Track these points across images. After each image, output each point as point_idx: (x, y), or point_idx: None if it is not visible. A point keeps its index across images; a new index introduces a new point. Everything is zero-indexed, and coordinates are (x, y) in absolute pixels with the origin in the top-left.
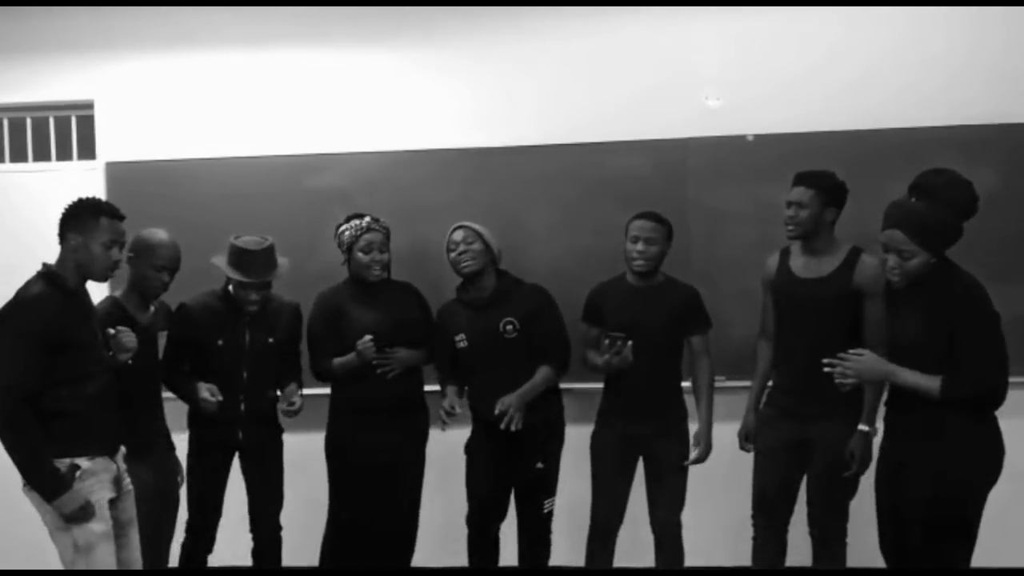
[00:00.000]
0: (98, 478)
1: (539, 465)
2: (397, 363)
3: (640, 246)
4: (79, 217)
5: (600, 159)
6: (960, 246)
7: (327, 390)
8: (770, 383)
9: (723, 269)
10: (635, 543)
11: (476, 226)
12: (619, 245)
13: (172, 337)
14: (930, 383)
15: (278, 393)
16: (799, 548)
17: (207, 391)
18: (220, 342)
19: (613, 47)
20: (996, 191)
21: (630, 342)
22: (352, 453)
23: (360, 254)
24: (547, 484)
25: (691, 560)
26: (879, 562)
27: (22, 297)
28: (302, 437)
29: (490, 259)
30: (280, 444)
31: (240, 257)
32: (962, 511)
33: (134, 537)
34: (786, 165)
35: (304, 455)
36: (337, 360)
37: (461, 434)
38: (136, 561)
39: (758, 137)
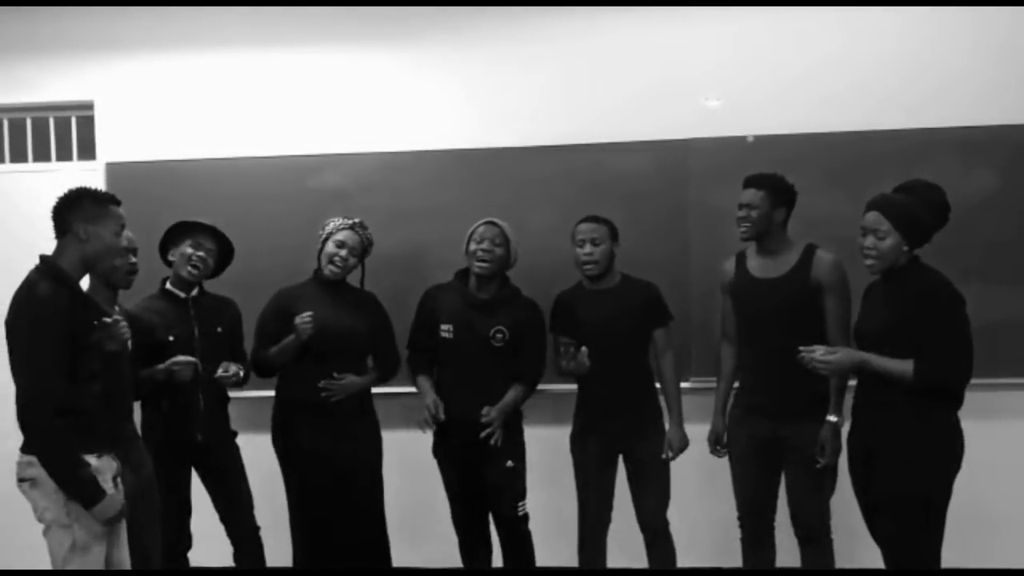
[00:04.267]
0: (103, 477)
1: (509, 463)
2: (340, 390)
3: (587, 248)
4: (83, 207)
5: (600, 160)
6: (958, 247)
7: None
8: (736, 385)
9: None
10: (628, 544)
11: (508, 229)
12: (620, 246)
13: None
14: (903, 367)
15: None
16: (788, 547)
17: (172, 363)
18: (171, 337)
19: (613, 48)
20: (994, 193)
21: (583, 348)
22: (291, 453)
23: (331, 245)
24: (518, 484)
25: (683, 559)
26: (868, 556)
27: (34, 297)
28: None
29: (505, 265)
30: (236, 446)
31: (174, 228)
32: (929, 498)
33: (123, 535)
34: (786, 166)
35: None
36: (274, 347)
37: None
38: (125, 560)
39: (758, 138)
